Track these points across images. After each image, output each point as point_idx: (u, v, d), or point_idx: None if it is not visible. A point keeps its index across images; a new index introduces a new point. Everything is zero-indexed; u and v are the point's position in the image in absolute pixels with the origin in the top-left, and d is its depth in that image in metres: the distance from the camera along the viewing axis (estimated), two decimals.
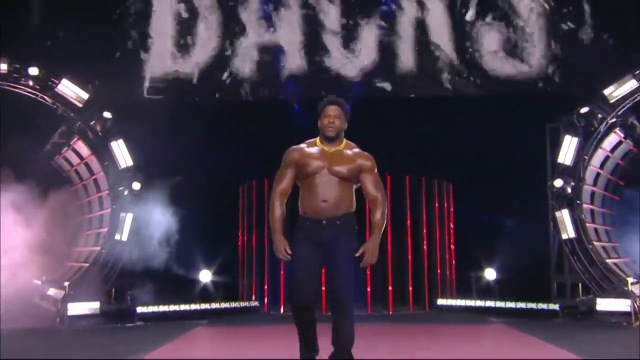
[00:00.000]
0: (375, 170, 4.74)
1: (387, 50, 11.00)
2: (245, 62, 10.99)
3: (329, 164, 4.66)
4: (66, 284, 9.12)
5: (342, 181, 4.64)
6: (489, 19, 10.96)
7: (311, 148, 4.76)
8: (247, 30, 11.05)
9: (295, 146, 4.79)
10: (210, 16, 11.03)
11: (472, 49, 10.87)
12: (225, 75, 11.02)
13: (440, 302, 10.80)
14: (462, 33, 10.89)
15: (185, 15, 10.95)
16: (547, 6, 10.90)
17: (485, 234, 10.74)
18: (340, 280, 4.51)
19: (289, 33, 11.06)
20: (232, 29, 11.03)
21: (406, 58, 11.00)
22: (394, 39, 11.03)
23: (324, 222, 4.57)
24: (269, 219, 4.70)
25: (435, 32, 10.98)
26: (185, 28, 11.00)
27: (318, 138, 4.78)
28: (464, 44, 10.90)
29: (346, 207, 4.65)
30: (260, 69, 11.00)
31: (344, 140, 4.79)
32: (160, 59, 10.89)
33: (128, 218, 9.52)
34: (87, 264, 9.66)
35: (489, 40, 10.89)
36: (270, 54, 11.05)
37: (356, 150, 4.78)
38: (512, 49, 10.87)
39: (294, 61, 11.01)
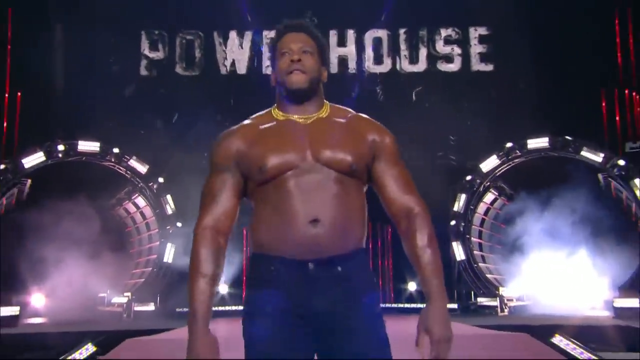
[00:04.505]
0: (400, 156, 2.59)
1: None
2: None
3: (312, 146, 2.46)
4: (128, 293, 13.71)
5: (342, 179, 2.43)
6: None
7: (266, 124, 2.55)
8: None
9: (231, 128, 2.60)
10: None
11: None
12: None
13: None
14: None
15: None
16: None
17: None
18: None
19: None
20: None
21: None
22: None
23: (310, 266, 2.39)
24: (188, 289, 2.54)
25: None
26: None
27: (274, 107, 2.62)
28: None
29: (357, 233, 2.49)
30: None
31: (326, 103, 2.60)
32: None
33: (172, 247, 14.25)
34: (143, 280, 14.32)
35: None
36: None
37: (355, 115, 2.60)
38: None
39: None
